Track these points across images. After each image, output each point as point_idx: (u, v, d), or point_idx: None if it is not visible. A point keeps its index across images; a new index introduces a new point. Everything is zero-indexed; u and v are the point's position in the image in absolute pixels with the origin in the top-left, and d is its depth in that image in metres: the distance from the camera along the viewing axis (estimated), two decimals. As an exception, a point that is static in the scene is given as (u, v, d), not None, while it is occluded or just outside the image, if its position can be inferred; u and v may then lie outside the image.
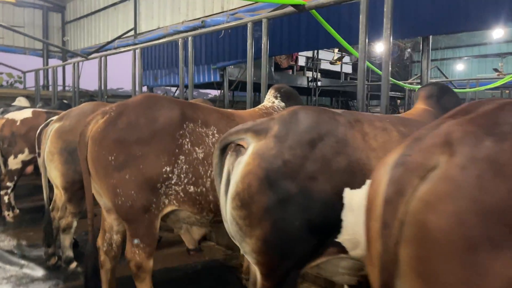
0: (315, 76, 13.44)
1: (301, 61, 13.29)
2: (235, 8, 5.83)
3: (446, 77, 13.14)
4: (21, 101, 7.89)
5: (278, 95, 3.24)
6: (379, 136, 1.86)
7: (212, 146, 2.74)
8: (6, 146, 5.16)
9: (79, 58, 7.95)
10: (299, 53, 12.83)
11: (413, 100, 13.46)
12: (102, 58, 6.73)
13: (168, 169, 2.56)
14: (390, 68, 2.95)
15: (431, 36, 6.03)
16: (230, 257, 4.14)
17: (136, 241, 2.63)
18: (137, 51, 5.58)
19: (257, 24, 3.74)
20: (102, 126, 2.54)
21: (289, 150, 1.74)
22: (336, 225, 1.77)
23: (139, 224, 2.59)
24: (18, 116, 5.26)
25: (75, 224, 3.83)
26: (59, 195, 3.96)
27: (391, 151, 1.25)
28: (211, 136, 2.77)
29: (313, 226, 1.74)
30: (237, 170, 1.80)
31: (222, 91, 11.21)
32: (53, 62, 13.99)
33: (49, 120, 4.08)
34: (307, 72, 13.41)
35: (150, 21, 8.30)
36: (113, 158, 2.49)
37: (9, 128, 5.16)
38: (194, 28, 6.51)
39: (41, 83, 11.91)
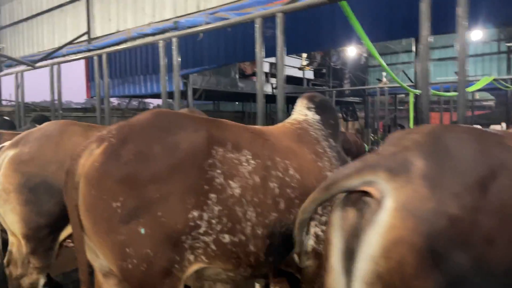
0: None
1: (265, 67, 12.72)
2: (215, 7, 5.12)
3: (412, 81, 13.22)
4: None
5: (312, 106, 2.59)
6: None
7: (249, 176, 2.03)
8: None
9: (23, 67, 6.80)
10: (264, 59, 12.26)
11: (369, 104, 13.39)
12: (55, 67, 5.72)
13: (195, 214, 1.83)
14: (467, 68, 2.42)
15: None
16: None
17: (152, 318, 1.86)
18: (103, 56, 4.70)
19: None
20: (100, 160, 1.75)
21: (453, 200, 1.09)
22: None
23: (157, 294, 1.84)
24: None
25: (42, 281, 2.92)
26: (17, 245, 3.04)
27: None
28: (245, 164, 2.06)
29: None
30: (371, 237, 1.12)
31: (186, 100, 10.39)
32: (-15, 72, 12.30)
33: (-1, 146, 3.14)
34: (271, 78, 12.84)
35: (106, 24, 7.33)
36: (118, 205, 1.72)
37: None
38: (164, 30, 5.70)
39: (-27, 97, 10.39)
